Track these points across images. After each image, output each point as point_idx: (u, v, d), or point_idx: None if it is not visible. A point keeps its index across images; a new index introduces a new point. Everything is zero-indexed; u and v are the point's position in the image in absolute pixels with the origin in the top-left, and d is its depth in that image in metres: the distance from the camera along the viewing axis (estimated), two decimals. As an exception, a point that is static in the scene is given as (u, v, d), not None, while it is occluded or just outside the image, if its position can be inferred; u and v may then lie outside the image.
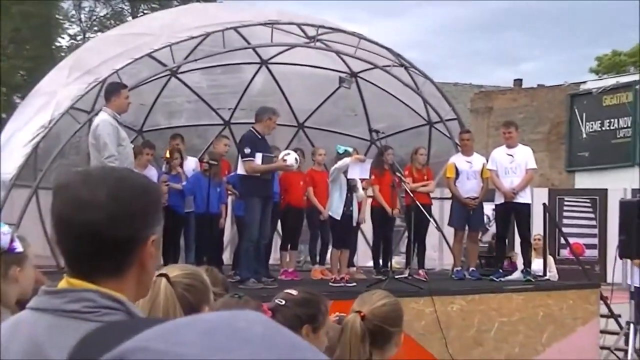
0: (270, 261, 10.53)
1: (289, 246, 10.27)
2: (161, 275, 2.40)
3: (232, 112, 13.17)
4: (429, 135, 12.88)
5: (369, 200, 10.44)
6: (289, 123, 13.43)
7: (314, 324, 2.88)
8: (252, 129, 8.50)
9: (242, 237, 9.28)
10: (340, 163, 8.89)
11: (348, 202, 9.02)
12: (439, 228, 10.77)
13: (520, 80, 33.24)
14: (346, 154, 9.11)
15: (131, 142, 8.51)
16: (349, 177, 8.97)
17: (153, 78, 10.82)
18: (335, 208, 9.02)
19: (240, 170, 8.39)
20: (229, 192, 10.03)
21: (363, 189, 9.57)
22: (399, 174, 9.74)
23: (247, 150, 8.20)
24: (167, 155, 9.50)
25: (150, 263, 1.51)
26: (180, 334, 0.78)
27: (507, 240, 10.51)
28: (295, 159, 8.56)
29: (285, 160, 8.43)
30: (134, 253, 1.48)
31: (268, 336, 0.79)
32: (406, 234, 10.98)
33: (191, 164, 10.01)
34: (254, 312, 0.85)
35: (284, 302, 2.87)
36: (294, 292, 2.91)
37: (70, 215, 1.44)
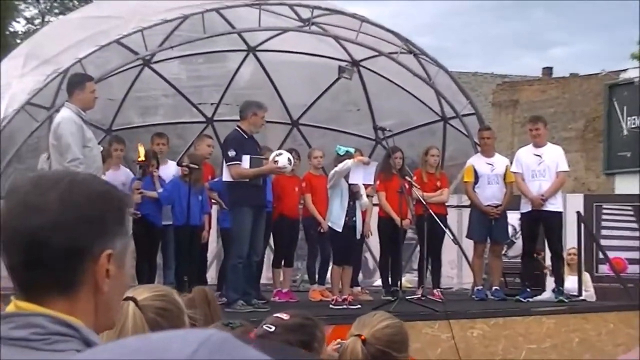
0: (262, 280, 10.54)
1: (282, 263, 10.30)
2: (127, 298, 2.41)
3: (215, 108, 13.20)
4: (443, 133, 12.91)
5: (375, 210, 10.48)
6: (282, 120, 13.45)
7: (309, 352, 2.90)
8: (237, 127, 8.54)
9: (228, 253, 9.30)
10: (340, 166, 8.92)
11: (350, 212, 9.05)
12: (456, 241, 10.80)
13: (550, 68, 33.26)
14: (347, 155, 9.14)
15: (99, 143, 8.54)
16: (350, 182, 9.00)
17: (123, 68, 10.84)
18: (335, 218, 9.05)
19: (226, 176, 8.42)
20: (213, 201, 10.05)
21: (368, 196, 9.60)
22: (409, 179, 9.77)
23: (232, 153, 8.23)
24: (141, 157, 9.51)
25: (107, 283, 1.51)
26: (105, 355, 0.85)
27: (535, 255, 10.55)
28: (289, 159, 8.60)
29: (276, 162, 8.47)
30: (84, 268, 1.49)
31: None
32: (418, 248, 11.01)
33: (172, 169, 10.00)
34: (207, 332, 0.92)
35: (273, 328, 2.87)
36: (284, 316, 2.91)
37: (16, 220, 1.47)
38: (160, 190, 9.50)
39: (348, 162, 8.90)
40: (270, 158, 8.57)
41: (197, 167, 9.24)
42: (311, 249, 10.67)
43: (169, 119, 13.42)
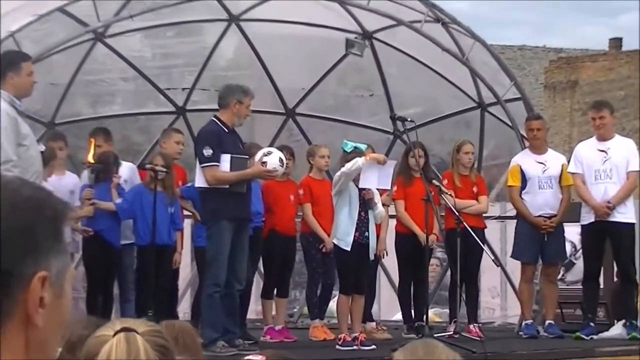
0: (250, 315, 10.52)
1: (275, 292, 10.29)
2: (126, 329, 2.42)
3: (188, 94, 13.22)
4: (480, 124, 12.90)
5: (392, 222, 10.47)
6: (273, 109, 13.47)
7: None
8: (214, 118, 8.55)
9: (204, 280, 9.29)
10: (348, 166, 8.88)
11: (361, 225, 9.03)
12: (498, 262, 10.78)
13: (620, 39, 33.33)
14: (356, 152, 9.11)
15: (38, 140, 8.54)
16: (361, 186, 8.99)
17: (69, 44, 10.85)
18: (342, 234, 9.03)
19: (200, 181, 8.42)
20: (186, 213, 10.05)
21: (383, 204, 9.58)
22: (436, 183, 9.75)
23: (208, 152, 8.24)
24: (91, 159, 9.51)
25: (41, 314, 1.51)
26: None
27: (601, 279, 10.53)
28: (280, 159, 8.60)
29: (264, 163, 8.47)
30: (11, 295, 1.49)
31: None
32: (449, 271, 10.99)
33: (124, 172, 9.95)
34: None
35: None
36: (259, 358, 2.96)
37: None
38: (119, 200, 9.50)
39: (358, 161, 8.85)
40: (257, 158, 8.57)
41: (165, 170, 9.23)
42: (312, 274, 10.64)
43: (129, 109, 13.45)
